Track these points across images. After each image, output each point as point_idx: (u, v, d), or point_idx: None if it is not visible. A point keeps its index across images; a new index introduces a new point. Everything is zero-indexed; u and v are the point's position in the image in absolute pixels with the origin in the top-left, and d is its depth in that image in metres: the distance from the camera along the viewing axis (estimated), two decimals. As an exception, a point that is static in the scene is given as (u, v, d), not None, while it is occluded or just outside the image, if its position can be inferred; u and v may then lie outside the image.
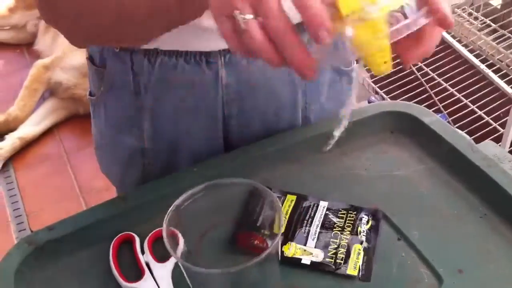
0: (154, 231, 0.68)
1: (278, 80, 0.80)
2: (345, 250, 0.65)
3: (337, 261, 0.63)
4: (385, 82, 1.72)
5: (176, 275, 0.64)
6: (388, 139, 0.82)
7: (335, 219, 0.69)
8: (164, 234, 0.53)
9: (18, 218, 1.94)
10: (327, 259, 0.64)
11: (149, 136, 0.83)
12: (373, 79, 1.78)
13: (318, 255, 0.64)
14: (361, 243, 0.66)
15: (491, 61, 1.67)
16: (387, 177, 0.76)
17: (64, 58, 2.35)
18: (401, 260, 0.65)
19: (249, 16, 0.45)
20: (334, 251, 0.65)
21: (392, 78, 1.72)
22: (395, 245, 0.67)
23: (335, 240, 0.66)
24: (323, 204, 0.71)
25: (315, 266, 0.63)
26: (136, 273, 0.65)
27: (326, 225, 0.68)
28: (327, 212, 0.70)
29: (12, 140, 2.19)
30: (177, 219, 0.55)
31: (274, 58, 0.46)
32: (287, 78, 0.81)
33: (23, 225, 1.91)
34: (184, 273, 0.54)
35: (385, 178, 0.76)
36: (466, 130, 1.53)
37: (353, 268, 0.63)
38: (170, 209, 0.55)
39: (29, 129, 2.26)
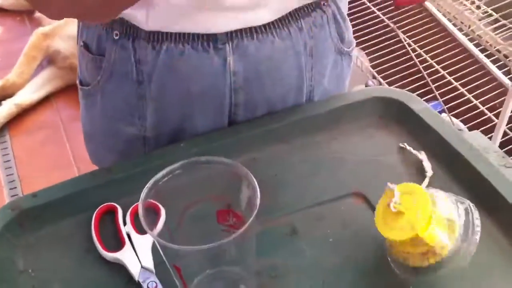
0: (136, 203, 0.69)
1: (286, 66, 0.79)
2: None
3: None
4: (383, 67, 1.72)
5: (156, 247, 0.64)
6: (376, 125, 0.82)
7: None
8: (140, 209, 0.53)
9: (11, 183, 1.95)
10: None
11: (151, 125, 0.81)
12: (371, 64, 1.78)
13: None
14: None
15: (490, 51, 1.67)
16: (372, 162, 0.76)
17: (65, 27, 2.34)
18: (378, 244, 0.66)
19: None
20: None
21: (390, 64, 1.72)
22: (374, 229, 0.67)
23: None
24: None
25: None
26: (116, 243, 0.66)
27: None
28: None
29: (8, 106, 2.20)
30: (155, 195, 0.56)
31: None
32: (294, 64, 0.79)
33: (16, 190, 1.92)
34: (160, 249, 0.54)
35: (370, 162, 0.76)
36: (461, 119, 1.53)
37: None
38: (147, 185, 0.55)
39: (26, 96, 2.26)
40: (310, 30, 0.79)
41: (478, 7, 1.83)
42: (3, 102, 2.21)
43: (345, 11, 0.85)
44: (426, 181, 0.71)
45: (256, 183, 0.56)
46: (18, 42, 2.50)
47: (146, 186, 0.55)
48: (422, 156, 0.74)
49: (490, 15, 1.80)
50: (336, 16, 0.83)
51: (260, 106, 0.81)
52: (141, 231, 0.67)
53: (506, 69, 1.58)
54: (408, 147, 0.76)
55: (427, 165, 0.73)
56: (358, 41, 1.85)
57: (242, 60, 0.75)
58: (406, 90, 1.50)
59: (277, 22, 0.76)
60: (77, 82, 0.87)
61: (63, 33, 2.34)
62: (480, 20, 1.77)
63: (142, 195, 0.54)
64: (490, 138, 1.42)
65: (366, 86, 1.79)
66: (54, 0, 0.60)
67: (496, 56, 1.64)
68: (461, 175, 0.72)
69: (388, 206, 0.60)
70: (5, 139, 2.13)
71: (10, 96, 2.24)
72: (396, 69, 1.71)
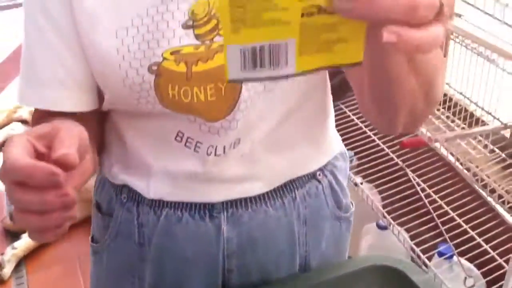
0: None
1: (278, 232, 0.82)
2: None
3: None
4: (393, 207, 1.74)
5: None
6: (377, 294, 0.84)
7: None
8: None
9: (23, 323, 1.95)
10: None
11: (150, 285, 0.84)
12: (382, 203, 1.80)
13: None
14: None
15: (499, 193, 1.68)
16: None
17: (87, 160, 2.41)
18: None
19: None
20: None
21: (401, 204, 1.74)
22: None
23: None
24: None
25: None
26: None
27: None
28: None
29: (27, 240, 2.23)
30: None
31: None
32: (286, 229, 0.83)
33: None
34: None
35: (369, 338, 0.77)
36: (474, 263, 1.52)
37: None
38: None
39: (45, 229, 2.29)
40: (304, 200, 0.83)
41: (485, 147, 1.87)
42: (22, 235, 2.24)
43: (342, 178, 0.88)
44: None
45: None
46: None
47: None
48: None
49: (499, 155, 1.84)
50: (333, 184, 0.86)
51: (253, 271, 0.84)
52: None
53: (514, 212, 1.58)
54: None
55: None
56: (370, 178, 1.89)
57: (236, 228, 0.80)
58: (416, 232, 1.51)
59: (271, 192, 0.81)
60: (89, 238, 0.91)
61: (85, 166, 2.41)
62: (489, 161, 1.80)
63: None
64: (501, 286, 1.40)
65: (377, 225, 1.81)
66: None
67: (504, 198, 1.65)
68: None
69: None
70: (22, 274, 2.14)
71: (30, 229, 2.28)
72: (406, 209, 1.72)
